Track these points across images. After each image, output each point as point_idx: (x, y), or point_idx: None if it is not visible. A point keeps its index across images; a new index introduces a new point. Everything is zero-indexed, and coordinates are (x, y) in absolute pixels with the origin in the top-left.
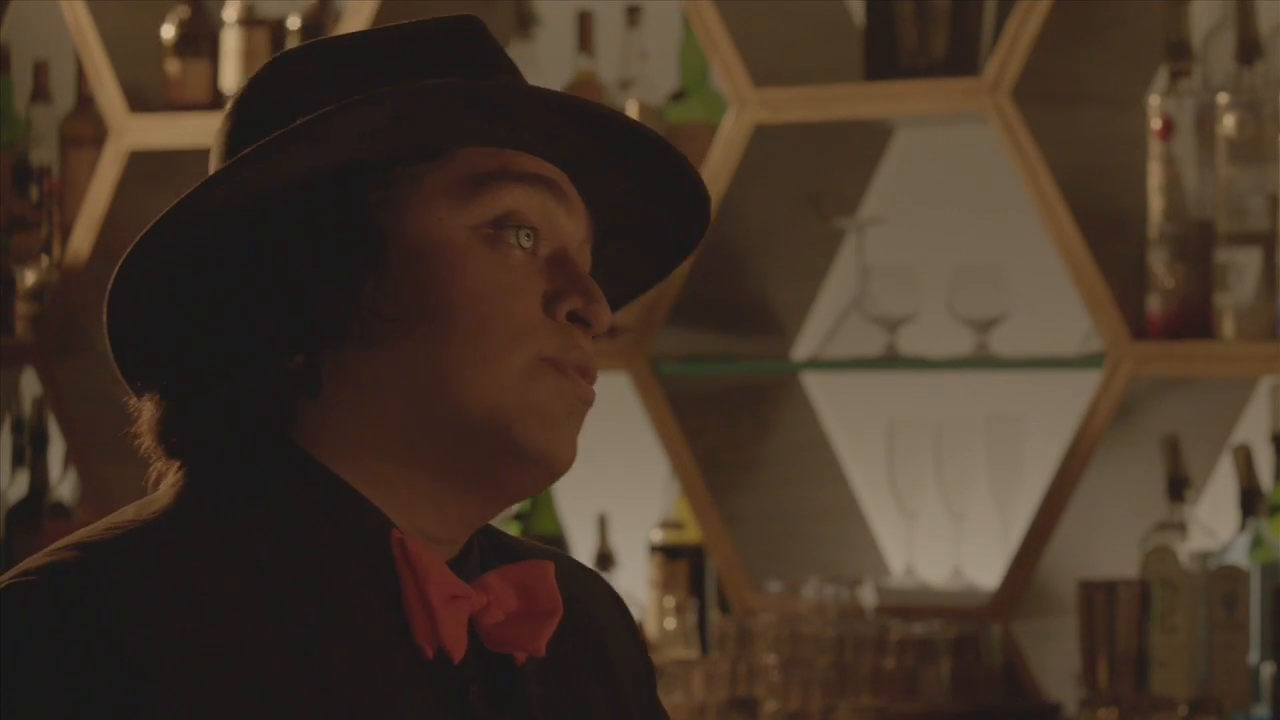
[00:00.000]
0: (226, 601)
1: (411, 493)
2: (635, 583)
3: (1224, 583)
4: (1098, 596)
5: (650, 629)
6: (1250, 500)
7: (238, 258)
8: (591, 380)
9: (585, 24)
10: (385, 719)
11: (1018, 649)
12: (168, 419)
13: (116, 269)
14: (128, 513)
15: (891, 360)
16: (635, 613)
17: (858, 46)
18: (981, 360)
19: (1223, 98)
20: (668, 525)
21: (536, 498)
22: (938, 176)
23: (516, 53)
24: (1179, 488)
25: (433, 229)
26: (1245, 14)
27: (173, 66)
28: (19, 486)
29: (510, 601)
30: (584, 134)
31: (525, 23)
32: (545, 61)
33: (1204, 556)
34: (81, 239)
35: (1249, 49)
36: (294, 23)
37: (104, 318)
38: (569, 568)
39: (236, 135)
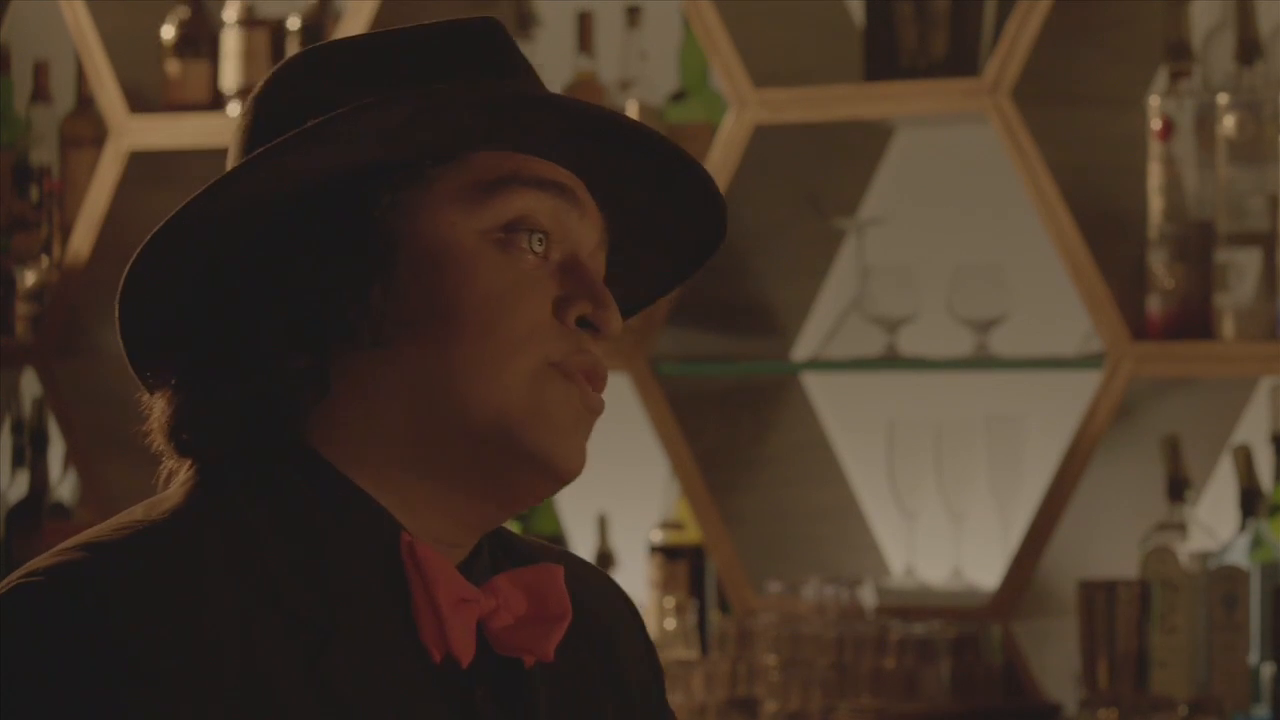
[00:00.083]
0: (234, 603)
1: (420, 496)
2: (635, 583)
3: (1224, 583)
4: (1098, 597)
5: (650, 629)
6: (1250, 500)
7: (249, 257)
8: (601, 385)
9: (585, 24)
10: None
11: (1018, 649)
12: (178, 417)
13: (128, 267)
14: (136, 512)
15: (891, 360)
16: None
17: (858, 47)
18: (981, 360)
19: (1223, 98)
20: (668, 525)
21: None
22: (938, 176)
23: None
24: (1179, 488)
25: (444, 232)
26: (1245, 14)
27: (173, 67)
28: (19, 486)
29: (519, 605)
30: (599, 140)
31: (525, 23)
32: (545, 62)
33: (1204, 557)
34: (81, 239)
35: (1249, 49)
36: (294, 23)
37: (116, 315)
38: (579, 570)
39: (253, 133)
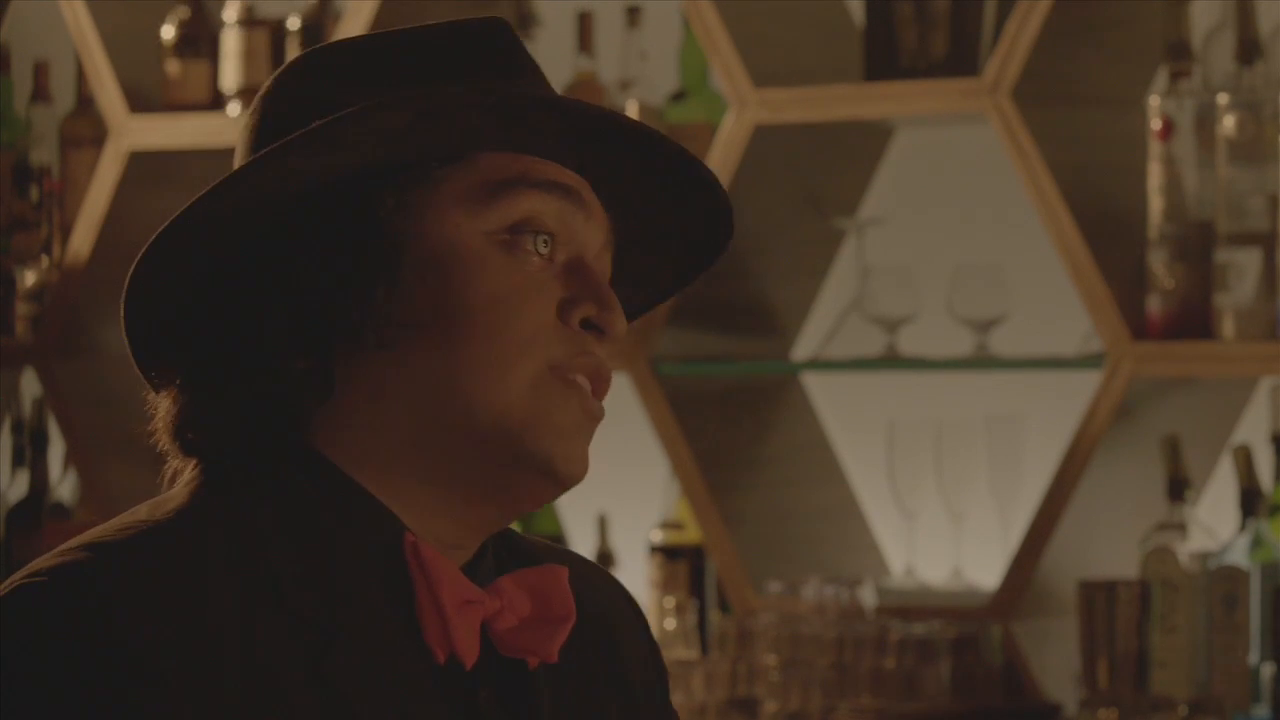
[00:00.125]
0: (237, 604)
1: (423, 498)
2: (635, 583)
3: (1224, 583)
4: (1098, 597)
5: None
6: (1250, 500)
7: (254, 257)
8: (605, 386)
9: (585, 24)
10: None
11: (1018, 649)
12: (183, 417)
13: (133, 266)
14: (140, 512)
15: (891, 360)
16: None
17: (858, 47)
18: (981, 360)
19: (1223, 98)
20: (668, 525)
21: None
22: (938, 176)
23: None
24: (1179, 488)
25: (449, 234)
26: (1245, 14)
27: (173, 67)
28: (19, 486)
29: (524, 606)
30: (605, 142)
31: (525, 23)
32: (545, 62)
33: (1204, 557)
34: (81, 239)
35: (1249, 49)
36: (294, 23)
37: (121, 314)
38: (584, 570)
39: (259, 132)
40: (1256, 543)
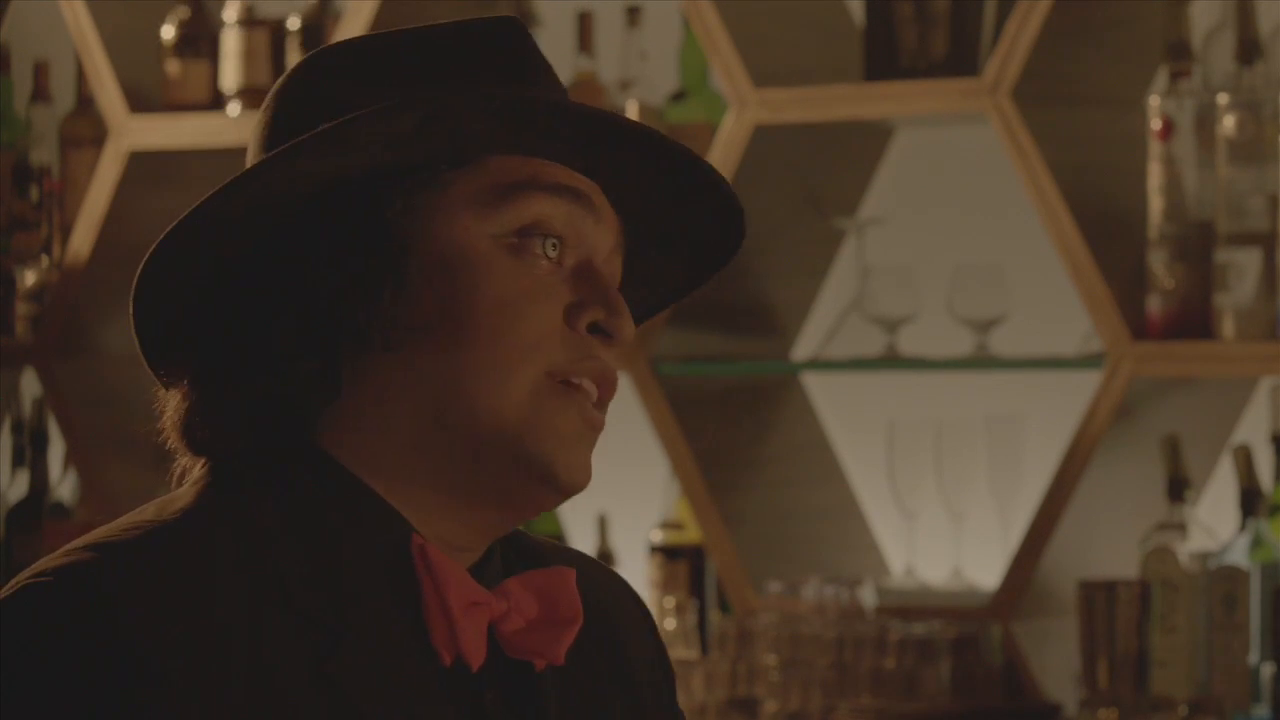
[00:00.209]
0: (244, 604)
1: (428, 501)
2: (635, 583)
3: (1224, 583)
4: (1098, 596)
5: None
6: (1250, 500)
7: (262, 257)
8: (610, 391)
9: (585, 24)
10: None
11: (1018, 649)
12: (191, 415)
13: (142, 265)
14: (148, 511)
15: (891, 360)
16: None
17: (858, 47)
18: (981, 360)
19: (1223, 98)
20: (668, 525)
21: None
22: (938, 176)
23: None
24: (1179, 488)
25: (457, 236)
26: (1245, 14)
27: (173, 67)
28: (19, 486)
29: (531, 609)
30: (614, 145)
31: (525, 23)
32: None
33: (1204, 557)
34: (81, 239)
35: (1249, 49)
36: (294, 23)
37: (130, 312)
38: (591, 571)
39: (271, 132)
40: (1256, 543)
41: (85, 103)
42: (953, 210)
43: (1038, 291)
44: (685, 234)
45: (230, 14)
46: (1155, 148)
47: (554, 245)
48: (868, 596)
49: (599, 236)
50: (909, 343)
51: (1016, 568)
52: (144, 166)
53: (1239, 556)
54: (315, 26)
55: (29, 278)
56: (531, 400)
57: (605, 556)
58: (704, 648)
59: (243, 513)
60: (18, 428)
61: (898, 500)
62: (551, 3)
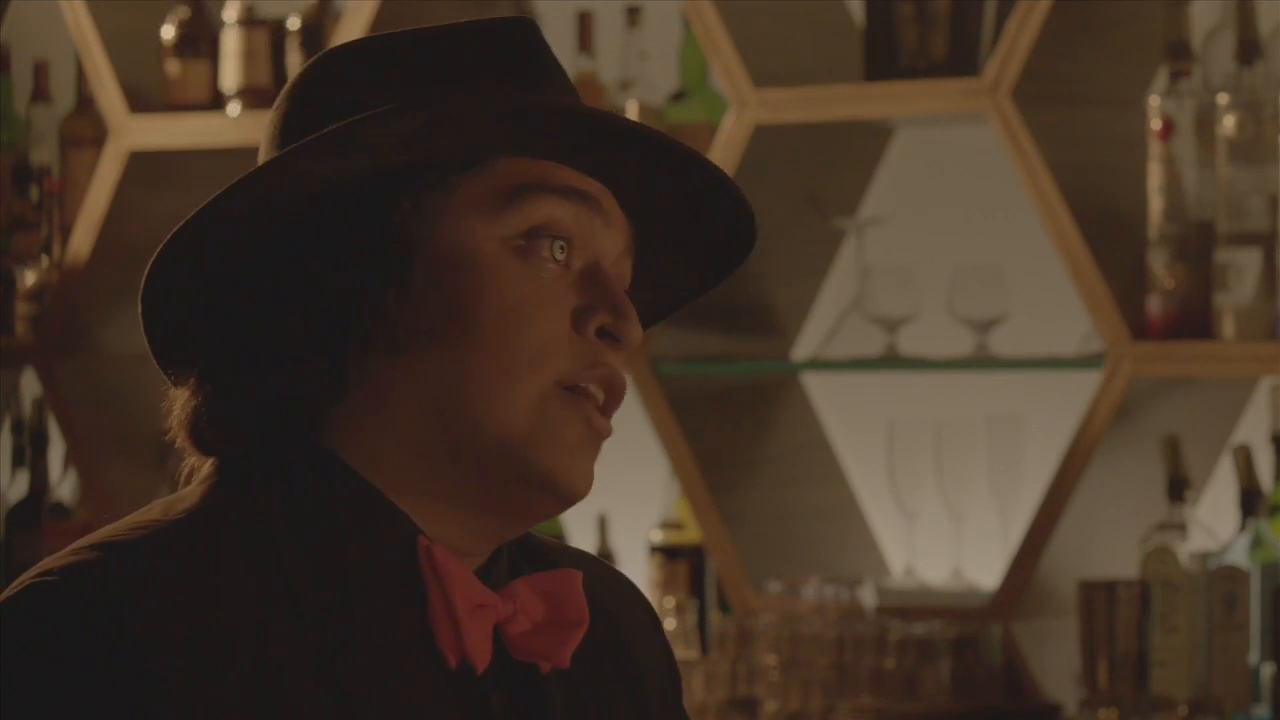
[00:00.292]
0: (249, 604)
1: (431, 505)
2: (636, 583)
3: (1224, 583)
4: (1098, 597)
5: None
6: (1250, 500)
7: (269, 256)
8: (619, 396)
9: (585, 24)
10: None
11: (1018, 649)
12: (199, 414)
13: (150, 263)
14: (154, 510)
15: (891, 360)
16: None
17: (858, 47)
18: (981, 360)
19: (1223, 98)
20: (668, 525)
21: None
22: (938, 176)
23: None
24: (1179, 488)
25: (464, 238)
26: (1245, 14)
27: (173, 67)
28: (19, 486)
29: (537, 611)
30: (623, 148)
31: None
32: None
33: (1204, 556)
34: (81, 239)
35: (1249, 49)
36: (294, 23)
37: (139, 310)
38: (597, 572)
39: (282, 131)
40: (1256, 543)
41: (85, 103)
42: (953, 210)
43: (1038, 291)
44: (695, 237)
45: (230, 14)
46: (1155, 148)
47: (562, 248)
48: (868, 596)
49: (607, 239)
50: (909, 343)
51: (1016, 568)
52: (144, 166)
53: (1239, 556)
54: (315, 26)
55: (29, 278)
56: (538, 408)
57: (605, 556)
58: (704, 648)
59: (249, 513)
60: (18, 428)
61: (898, 500)
62: (551, 3)
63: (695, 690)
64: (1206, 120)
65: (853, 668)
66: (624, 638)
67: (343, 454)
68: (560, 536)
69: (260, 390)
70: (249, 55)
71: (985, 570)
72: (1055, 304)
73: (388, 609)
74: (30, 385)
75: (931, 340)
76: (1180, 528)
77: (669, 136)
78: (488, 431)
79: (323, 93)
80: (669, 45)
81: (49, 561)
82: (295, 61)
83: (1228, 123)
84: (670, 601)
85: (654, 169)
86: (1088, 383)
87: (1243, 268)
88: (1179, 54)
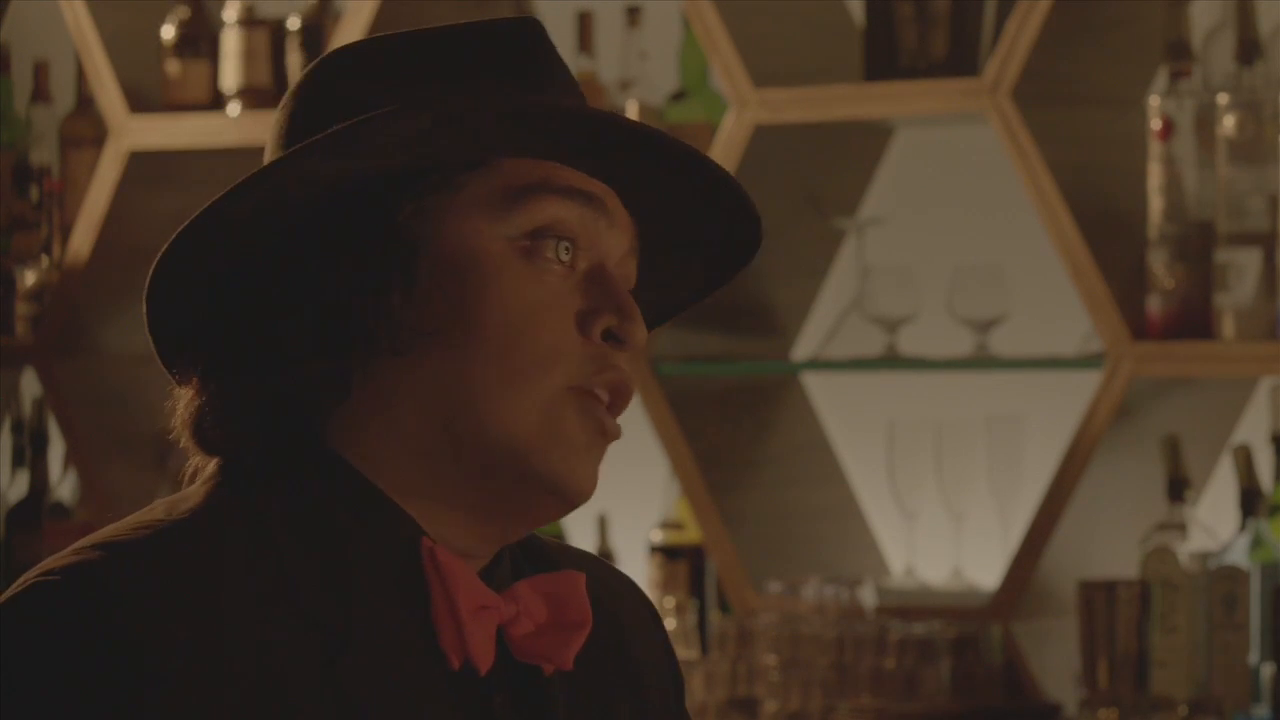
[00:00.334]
0: (251, 604)
1: (437, 506)
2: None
3: (1224, 583)
4: (1098, 597)
5: None
6: (1250, 500)
7: (274, 257)
8: (626, 399)
9: (585, 24)
10: None
11: (1018, 649)
12: (202, 414)
13: (154, 264)
14: (158, 510)
15: (891, 360)
16: None
17: (858, 47)
18: (981, 360)
19: (1223, 98)
20: (668, 525)
21: None
22: (938, 176)
23: None
24: (1179, 488)
25: (468, 239)
26: (1245, 14)
27: (173, 67)
28: (19, 486)
29: (540, 613)
30: (629, 151)
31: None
32: None
33: (1204, 556)
34: (81, 239)
35: (1249, 49)
36: (294, 23)
37: (144, 310)
38: (601, 573)
39: (287, 131)
40: (1256, 543)
41: (85, 103)
42: (953, 210)
43: (1038, 291)
44: (700, 238)
45: (230, 14)
46: (1155, 148)
47: (566, 249)
48: (868, 596)
49: (612, 240)
50: (909, 343)
51: (1016, 568)
52: (144, 166)
53: (1239, 556)
54: (315, 26)
55: (29, 278)
56: (548, 411)
57: (605, 556)
58: (704, 648)
59: (252, 513)
60: (18, 428)
61: (898, 500)
62: (551, 3)
63: (695, 690)
64: (1206, 120)
65: (853, 668)
66: (626, 638)
67: (346, 454)
68: (560, 536)
69: (264, 391)
70: (249, 55)
71: (985, 570)
72: (1055, 304)
73: (390, 610)
74: (30, 385)
75: (931, 340)
76: (1180, 528)
77: (674, 137)
78: (493, 433)
79: (328, 94)
80: (669, 45)
81: (52, 561)
82: (295, 61)
83: (1228, 123)
84: (670, 601)
85: (659, 169)
86: (1088, 383)
87: (1243, 268)
88: (1179, 54)
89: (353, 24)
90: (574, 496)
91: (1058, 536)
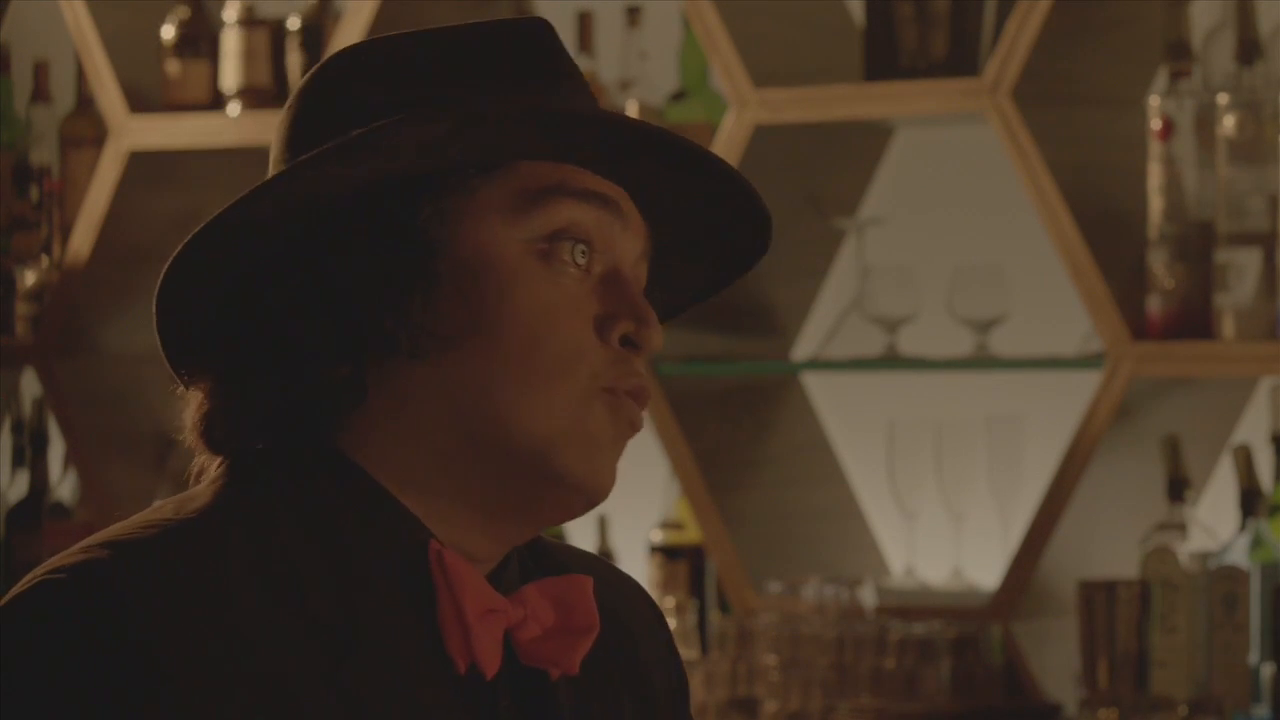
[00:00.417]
0: (257, 605)
1: (448, 510)
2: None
3: (1224, 583)
4: (1098, 597)
5: None
6: (1250, 500)
7: (289, 260)
8: (644, 405)
9: (585, 24)
10: None
11: (1018, 649)
12: (212, 414)
13: (166, 266)
14: (165, 509)
15: (891, 360)
16: None
17: (858, 47)
18: (981, 360)
19: (1223, 98)
20: (668, 525)
21: None
22: (938, 176)
23: None
24: (1179, 488)
25: (485, 242)
26: (1245, 14)
27: (173, 67)
28: (19, 486)
29: (547, 617)
30: (642, 152)
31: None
32: None
33: (1204, 556)
34: (81, 239)
35: (1249, 49)
36: (294, 23)
37: (154, 312)
38: (608, 577)
39: (296, 133)
40: (1256, 543)
41: (85, 103)
42: (953, 210)
43: (1038, 291)
44: (708, 238)
45: (230, 14)
46: (1155, 148)
47: (583, 251)
48: (868, 596)
49: (626, 243)
50: (909, 343)
51: (1016, 568)
52: (144, 166)
53: (1239, 556)
54: (315, 26)
55: (29, 278)
56: (576, 412)
57: (605, 556)
58: (704, 648)
59: (260, 513)
60: (18, 428)
61: (898, 500)
62: (551, 3)
63: (695, 690)
64: (1206, 120)
65: (853, 668)
66: (631, 641)
67: (355, 457)
68: (560, 536)
69: (280, 395)
70: (249, 55)
71: (985, 570)
72: (1055, 304)
73: (397, 612)
74: (30, 385)
75: (931, 340)
76: (1180, 528)
77: (687, 139)
78: (516, 434)
79: (338, 95)
80: (669, 45)
81: (58, 559)
82: (295, 61)
83: (1228, 123)
84: (670, 601)
85: (670, 171)
86: (1088, 383)
87: (1243, 268)
88: (1179, 54)
89: (353, 24)
90: (595, 494)
91: (1058, 536)
